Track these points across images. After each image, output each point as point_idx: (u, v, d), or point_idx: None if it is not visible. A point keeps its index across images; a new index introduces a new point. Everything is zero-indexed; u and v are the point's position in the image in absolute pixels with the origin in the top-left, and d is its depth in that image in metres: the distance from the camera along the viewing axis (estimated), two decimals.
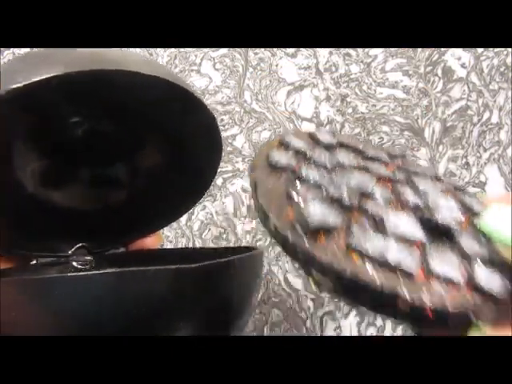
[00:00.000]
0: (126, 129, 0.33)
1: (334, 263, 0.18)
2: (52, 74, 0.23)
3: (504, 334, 0.18)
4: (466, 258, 0.19)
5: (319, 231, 0.19)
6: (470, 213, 0.21)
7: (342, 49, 0.50)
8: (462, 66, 0.52)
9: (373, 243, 0.18)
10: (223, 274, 0.25)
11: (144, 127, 0.33)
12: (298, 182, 0.21)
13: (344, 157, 0.23)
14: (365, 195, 0.21)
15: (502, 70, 0.52)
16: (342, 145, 0.25)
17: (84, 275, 0.23)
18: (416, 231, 0.20)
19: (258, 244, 0.50)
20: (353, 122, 0.51)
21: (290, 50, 0.50)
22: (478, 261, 0.19)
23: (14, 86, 0.23)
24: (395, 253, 0.18)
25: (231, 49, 0.49)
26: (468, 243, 0.20)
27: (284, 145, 0.23)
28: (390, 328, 0.51)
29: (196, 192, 0.35)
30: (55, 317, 0.22)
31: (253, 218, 0.49)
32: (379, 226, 0.20)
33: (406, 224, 0.20)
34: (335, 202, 0.20)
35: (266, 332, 0.50)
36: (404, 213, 0.20)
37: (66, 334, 0.22)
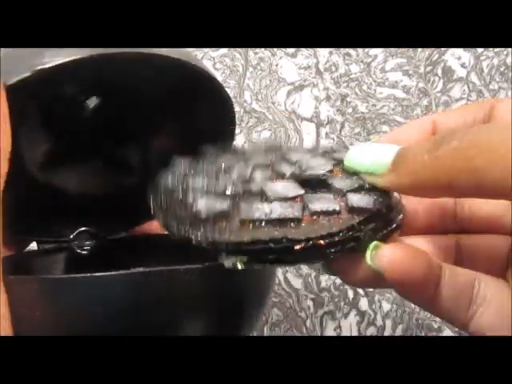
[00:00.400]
0: (138, 113, 0.33)
1: (232, 238, 0.21)
2: (78, 56, 0.23)
3: (392, 246, 0.20)
4: (339, 193, 0.22)
5: (215, 219, 0.21)
6: (340, 164, 0.24)
7: (341, 49, 0.50)
8: (462, 65, 0.52)
9: (259, 210, 0.21)
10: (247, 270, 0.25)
11: (157, 111, 0.33)
12: (187, 192, 0.24)
13: (225, 161, 0.27)
14: (246, 181, 0.24)
15: (502, 69, 0.52)
16: (227, 157, 0.28)
17: (113, 275, 0.22)
18: (294, 190, 0.22)
19: None
20: (353, 121, 0.51)
21: (290, 50, 0.50)
22: (350, 191, 0.22)
23: (40, 68, 0.23)
24: (280, 210, 0.21)
25: (231, 49, 0.49)
26: (340, 183, 0.23)
27: (169, 171, 0.27)
28: (390, 328, 0.51)
29: None
30: (78, 316, 0.22)
31: None
32: (262, 197, 0.22)
33: (283, 187, 0.23)
34: (221, 194, 0.23)
35: (266, 332, 0.50)
36: (281, 180, 0.23)
37: (90, 334, 0.22)
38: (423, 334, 0.52)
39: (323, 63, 0.50)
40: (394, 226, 0.22)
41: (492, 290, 0.22)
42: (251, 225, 0.21)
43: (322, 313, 0.50)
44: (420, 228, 0.25)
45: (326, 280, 0.50)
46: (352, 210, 0.21)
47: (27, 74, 0.23)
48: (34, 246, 0.34)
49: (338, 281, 0.51)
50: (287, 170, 0.24)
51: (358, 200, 0.21)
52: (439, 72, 0.51)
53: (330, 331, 0.50)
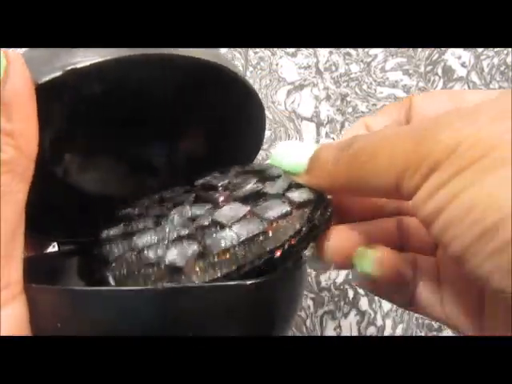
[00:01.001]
0: (164, 114, 0.33)
1: (219, 272, 0.22)
2: (109, 57, 0.22)
3: (378, 250, 0.22)
4: (279, 196, 0.24)
5: (191, 264, 0.22)
6: (256, 174, 0.27)
7: (341, 48, 0.50)
8: (462, 65, 0.52)
9: (227, 238, 0.23)
10: (283, 286, 0.25)
11: (184, 112, 0.33)
12: (143, 251, 0.24)
13: (153, 212, 0.28)
14: (192, 219, 0.25)
15: (502, 69, 0.52)
16: (147, 207, 0.29)
17: (139, 290, 0.21)
18: (241, 208, 0.24)
19: None
20: (353, 121, 0.51)
21: (290, 50, 0.50)
22: (286, 191, 0.24)
23: (70, 68, 0.22)
24: (244, 230, 0.23)
25: (231, 49, 0.49)
26: (273, 189, 0.25)
27: (105, 239, 0.27)
28: (390, 328, 0.51)
29: None
30: (101, 331, 0.21)
31: None
32: (217, 226, 0.24)
33: (231, 210, 0.24)
34: (180, 239, 0.24)
35: None
36: (224, 205, 0.25)
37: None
38: (423, 334, 0.52)
39: (323, 63, 0.50)
40: (330, 209, 0.24)
41: (427, 268, 0.24)
42: (228, 254, 0.22)
43: (322, 312, 0.50)
44: (364, 214, 0.27)
45: (325, 280, 0.51)
46: (299, 205, 0.23)
47: (58, 74, 0.22)
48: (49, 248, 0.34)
49: (338, 280, 0.51)
50: (218, 196, 0.26)
51: (299, 196, 0.24)
52: (439, 71, 0.51)
53: (329, 331, 0.50)
